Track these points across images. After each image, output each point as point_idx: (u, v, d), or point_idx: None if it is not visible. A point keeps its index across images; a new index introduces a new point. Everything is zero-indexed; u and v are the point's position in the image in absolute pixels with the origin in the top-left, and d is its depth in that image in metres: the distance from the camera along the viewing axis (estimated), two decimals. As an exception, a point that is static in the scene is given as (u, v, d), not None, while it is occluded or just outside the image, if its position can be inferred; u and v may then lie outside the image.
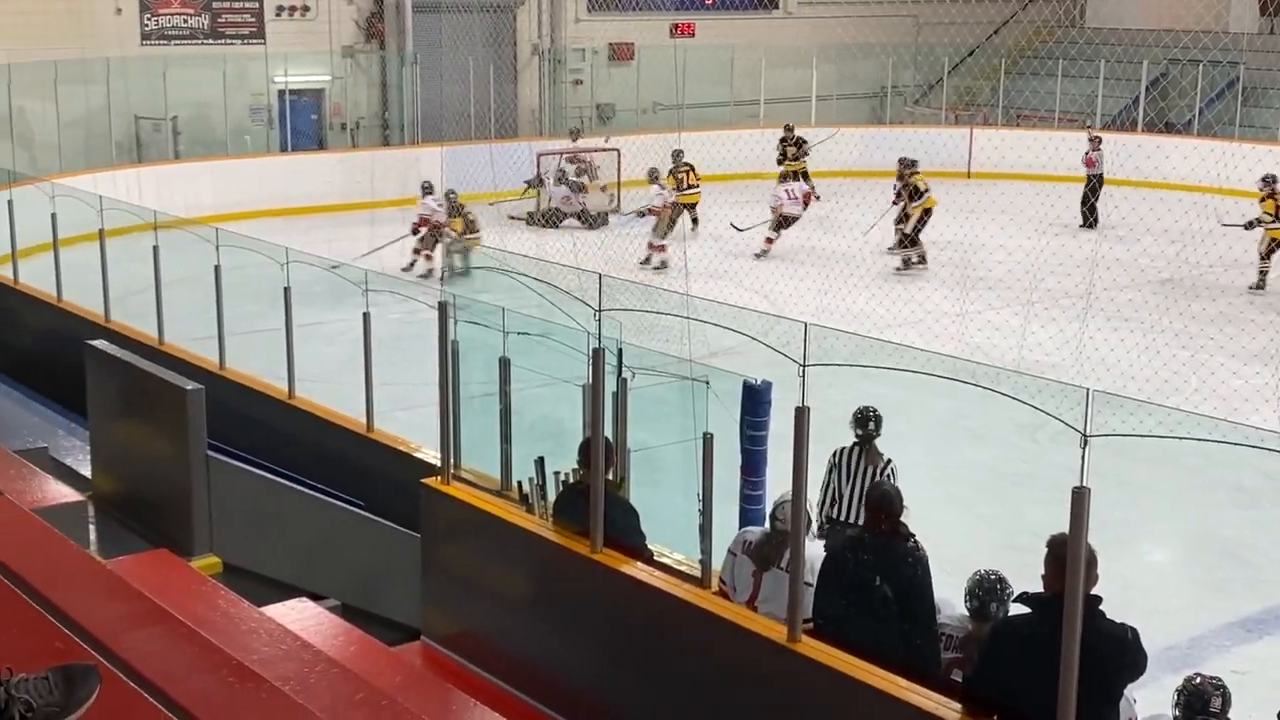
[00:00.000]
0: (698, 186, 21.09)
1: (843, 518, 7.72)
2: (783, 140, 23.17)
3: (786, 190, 20.10)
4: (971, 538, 8.96)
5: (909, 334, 13.22)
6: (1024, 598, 4.86)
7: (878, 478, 7.63)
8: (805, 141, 23.15)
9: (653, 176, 19.80)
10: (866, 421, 7.91)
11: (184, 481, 6.47)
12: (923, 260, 18.60)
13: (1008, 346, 13.15)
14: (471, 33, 25.49)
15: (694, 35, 28.07)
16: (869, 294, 15.49)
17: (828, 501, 7.82)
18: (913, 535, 5.85)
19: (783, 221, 19.84)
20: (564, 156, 22.31)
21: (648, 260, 18.71)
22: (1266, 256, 17.71)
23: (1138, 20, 28.00)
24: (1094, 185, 21.95)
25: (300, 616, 6.03)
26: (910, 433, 11.24)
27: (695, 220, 20.97)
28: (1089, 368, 11.99)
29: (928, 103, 29.40)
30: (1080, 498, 4.36)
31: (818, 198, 21.10)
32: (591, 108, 27.17)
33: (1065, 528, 4.42)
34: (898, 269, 18.54)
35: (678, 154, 21.08)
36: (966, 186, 23.34)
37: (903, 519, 5.83)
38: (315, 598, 6.73)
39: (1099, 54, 26.23)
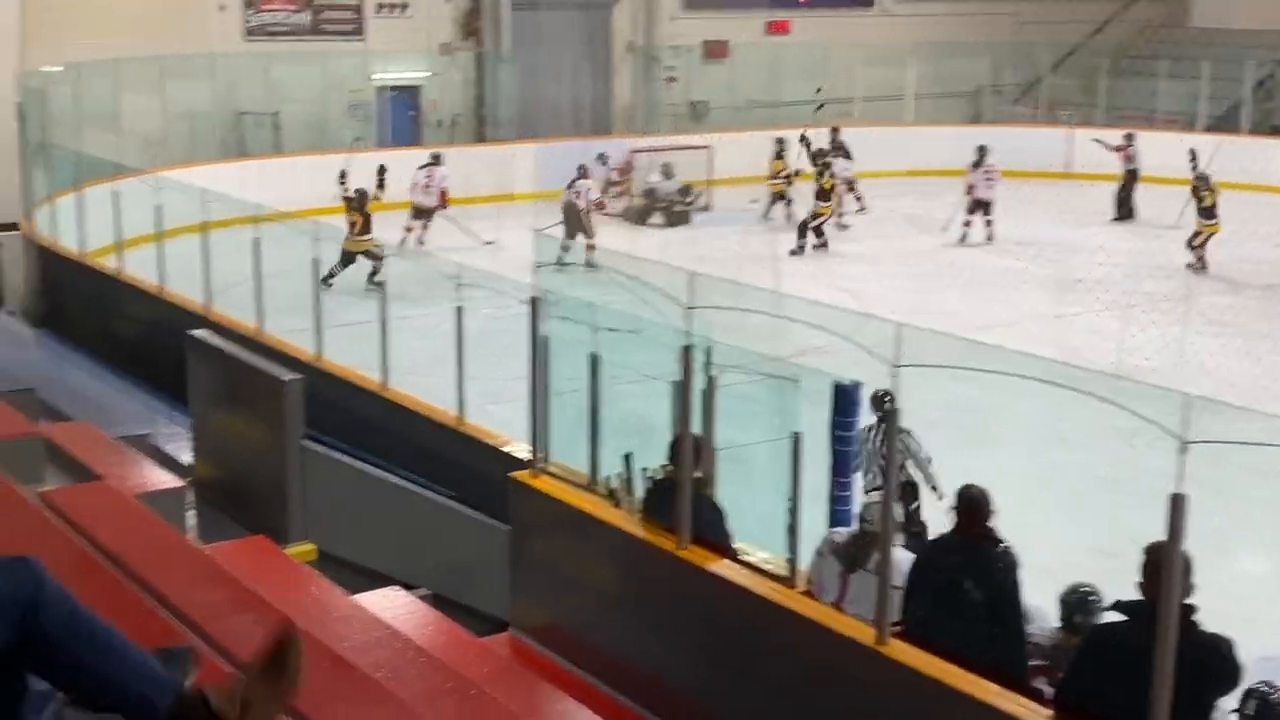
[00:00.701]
0: (779, 175, 21.20)
1: (879, 484, 7.99)
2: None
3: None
4: (1066, 543, 8.83)
5: (1003, 336, 13.04)
6: (1119, 605, 4.79)
7: (915, 445, 8.20)
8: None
9: (582, 174, 18.98)
10: (882, 403, 8.16)
11: (281, 470, 6.58)
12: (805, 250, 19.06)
13: (1105, 350, 12.93)
14: (567, 30, 25.61)
15: (789, 33, 27.94)
16: (962, 294, 15.32)
17: (874, 474, 8.24)
18: (1002, 540, 5.79)
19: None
20: (653, 154, 22.35)
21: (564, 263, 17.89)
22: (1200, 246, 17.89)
23: (1244, 20, 27.38)
24: (1129, 180, 21.88)
25: (392, 605, 6.10)
26: (1004, 436, 11.12)
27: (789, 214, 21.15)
28: (1188, 373, 11.76)
29: (1026, 102, 29.01)
30: (1177, 504, 4.29)
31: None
32: (685, 105, 27.16)
33: (1162, 535, 4.35)
34: (792, 252, 18.92)
35: (779, 141, 21.13)
36: (1065, 187, 23.03)
37: (990, 523, 5.78)
38: (407, 587, 6.81)
39: (1204, 54, 25.68)
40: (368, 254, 15.48)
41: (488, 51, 25.39)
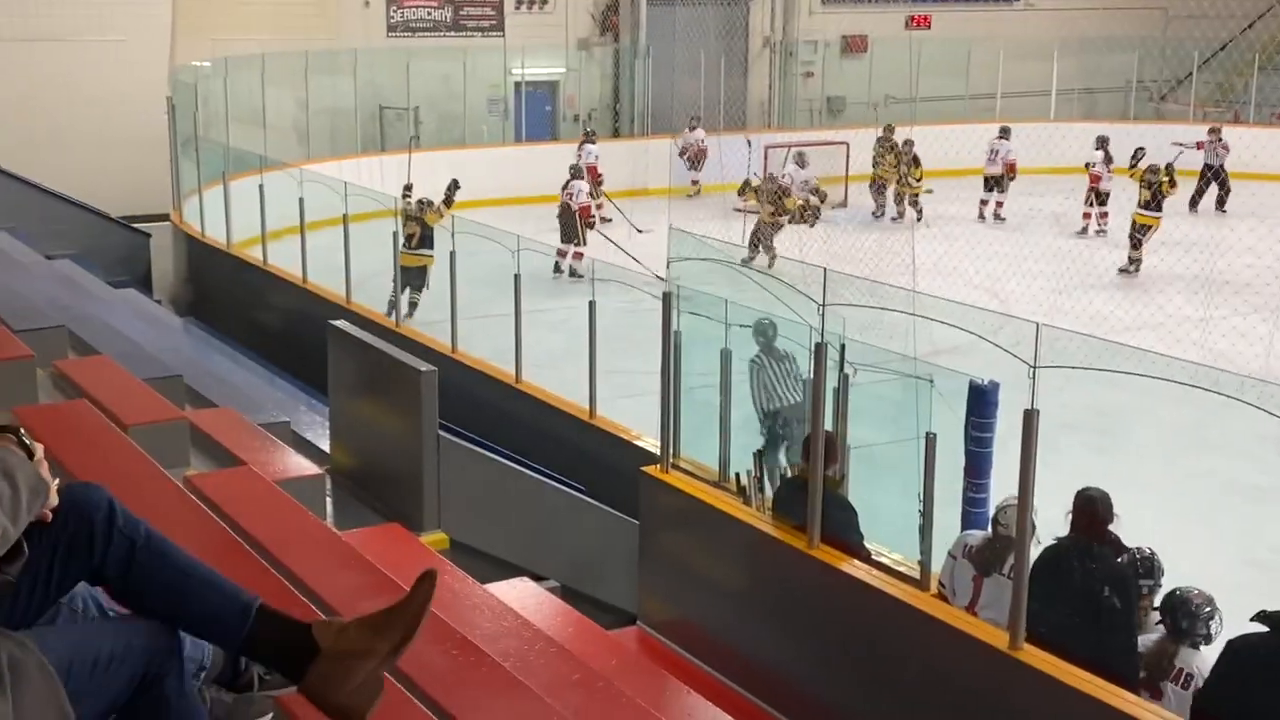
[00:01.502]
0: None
1: (778, 405, 8.27)
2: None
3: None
4: (1209, 553, 8.59)
5: (1148, 338, 12.69)
6: (1262, 616, 4.66)
7: (794, 368, 8.21)
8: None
9: (574, 174, 17.92)
10: (764, 332, 8.32)
11: (416, 459, 6.68)
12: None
13: (1253, 354, 12.53)
14: (704, 25, 25.58)
15: (930, 27, 27.57)
16: (1106, 295, 14.99)
17: (763, 399, 8.41)
18: (1126, 546, 5.66)
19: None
20: (790, 149, 22.19)
21: (560, 269, 16.40)
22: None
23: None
24: (1205, 174, 21.95)
25: (521, 595, 6.17)
26: (1147, 441, 10.85)
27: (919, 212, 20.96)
28: (1343, 379, 11.33)
29: (1175, 98, 28.23)
30: (1328, 515, 4.15)
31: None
32: (821, 100, 26.97)
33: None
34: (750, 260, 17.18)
35: (907, 142, 20.92)
36: (1214, 186, 22.41)
37: (1111, 527, 5.65)
38: (536, 578, 6.88)
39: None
40: (423, 272, 13.69)
41: (624, 46, 25.51)
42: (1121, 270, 17.47)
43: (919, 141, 21.04)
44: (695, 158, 23.03)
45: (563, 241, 16.83)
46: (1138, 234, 17.62)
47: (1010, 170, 21.05)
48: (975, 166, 21.73)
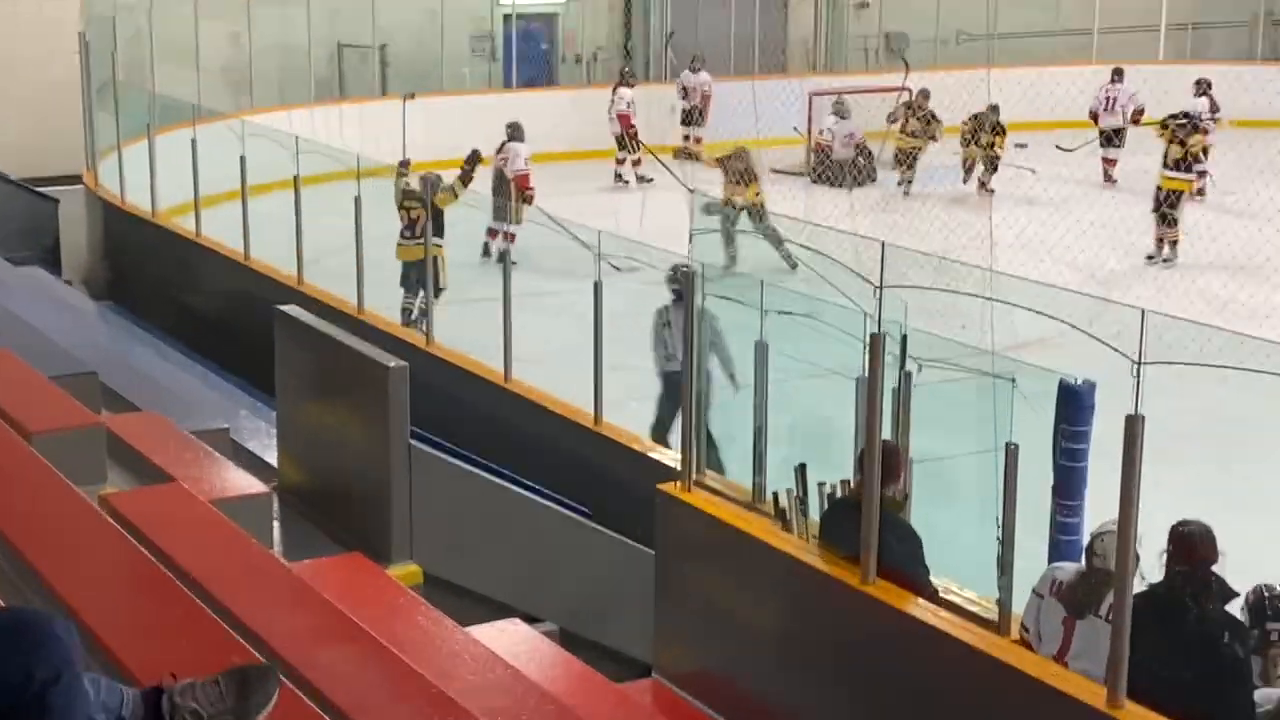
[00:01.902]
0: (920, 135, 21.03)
1: (677, 368, 8.51)
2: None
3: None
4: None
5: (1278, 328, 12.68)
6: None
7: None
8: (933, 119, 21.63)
9: (512, 134, 17.09)
10: (677, 280, 8.79)
11: (383, 474, 6.70)
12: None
13: None
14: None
15: (1012, -52, 27.56)
16: (1227, 275, 14.91)
17: (663, 357, 9.50)
18: (1233, 590, 5.65)
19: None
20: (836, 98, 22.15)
21: (489, 253, 15.82)
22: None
23: None
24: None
25: (512, 641, 6.19)
26: (1275, 451, 10.82)
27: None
28: None
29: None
30: None
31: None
32: (879, 38, 26.90)
33: None
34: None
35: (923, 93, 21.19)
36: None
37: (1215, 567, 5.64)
38: (530, 619, 6.90)
39: None
40: (431, 266, 12.43)
41: (636, -27, 25.54)
42: (1149, 258, 16.78)
43: (996, 86, 20.96)
44: (700, 108, 22.77)
45: (494, 218, 15.73)
46: (1167, 205, 16.87)
47: (1137, 117, 20.96)
48: (1070, 119, 21.63)
